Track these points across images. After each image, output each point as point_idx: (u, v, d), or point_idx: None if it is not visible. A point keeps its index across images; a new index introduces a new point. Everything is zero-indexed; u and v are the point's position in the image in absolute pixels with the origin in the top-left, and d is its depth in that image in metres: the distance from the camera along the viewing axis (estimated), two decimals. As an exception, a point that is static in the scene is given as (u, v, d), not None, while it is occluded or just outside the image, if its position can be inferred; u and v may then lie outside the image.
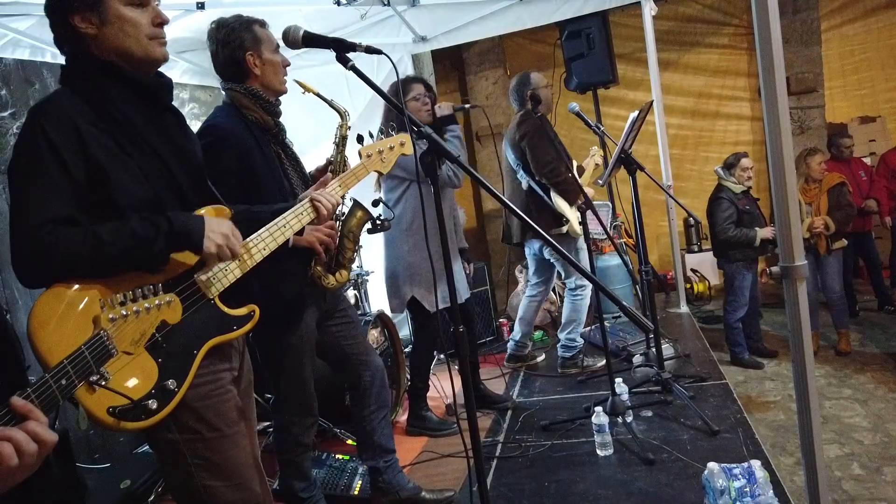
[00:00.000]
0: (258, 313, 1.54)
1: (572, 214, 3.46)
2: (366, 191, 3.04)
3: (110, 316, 1.22)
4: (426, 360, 3.29)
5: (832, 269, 4.61)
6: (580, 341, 3.81)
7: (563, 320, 3.77)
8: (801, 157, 4.58)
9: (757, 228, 4.37)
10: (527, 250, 3.81)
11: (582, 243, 3.59)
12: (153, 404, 1.27)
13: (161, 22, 1.45)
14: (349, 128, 2.16)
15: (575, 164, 3.71)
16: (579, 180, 3.29)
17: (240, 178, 1.96)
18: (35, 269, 1.26)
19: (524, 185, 3.55)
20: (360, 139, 2.06)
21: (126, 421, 1.24)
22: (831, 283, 4.61)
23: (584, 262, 3.43)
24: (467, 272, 3.40)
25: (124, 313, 1.24)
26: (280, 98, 2.14)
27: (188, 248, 1.37)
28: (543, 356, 4.17)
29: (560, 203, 3.45)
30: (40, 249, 1.24)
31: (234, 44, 2.03)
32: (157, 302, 1.30)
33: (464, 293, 3.23)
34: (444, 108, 3.03)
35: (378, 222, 2.34)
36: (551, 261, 3.68)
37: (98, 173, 1.31)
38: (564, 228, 3.47)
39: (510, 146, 3.58)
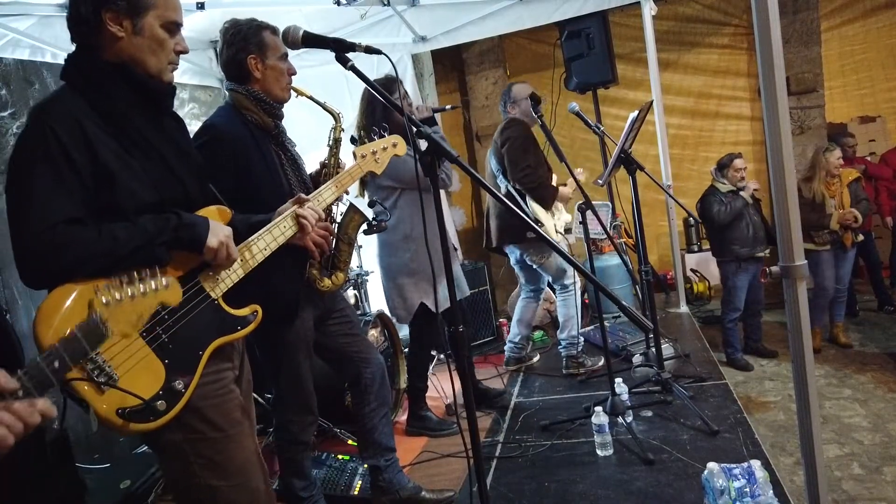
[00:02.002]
0: (261, 313, 1.55)
1: (548, 220, 3.49)
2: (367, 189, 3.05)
3: (104, 299, 1.20)
4: (425, 360, 3.29)
5: (849, 263, 4.71)
6: (581, 339, 3.82)
7: (560, 321, 3.78)
8: (818, 154, 4.65)
9: (741, 192, 4.44)
10: (511, 259, 3.83)
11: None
12: (162, 405, 1.28)
13: (182, 51, 1.49)
14: (343, 130, 2.18)
15: (556, 178, 3.73)
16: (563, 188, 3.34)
17: (236, 178, 1.96)
18: (46, 270, 1.25)
19: (503, 190, 3.57)
20: (353, 140, 2.06)
21: (135, 423, 1.24)
22: (844, 276, 4.70)
23: (561, 260, 3.45)
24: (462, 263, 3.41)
25: (118, 297, 1.22)
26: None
27: (192, 241, 1.38)
28: (538, 356, 4.17)
29: (535, 208, 3.47)
30: (54, 249, 1.23)
31: (238, 45, 2.03)
32: (153, 285, 1.28)
33: (465, 289, 3.25)
34: (422, 111, 3.02)
35: (374, 223, 2.35)
36: (530, 264, 3.68)
37: (104, 176, 1.31)
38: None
39: (493, 151, 3.63)
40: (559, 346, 3.84)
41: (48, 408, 1.01)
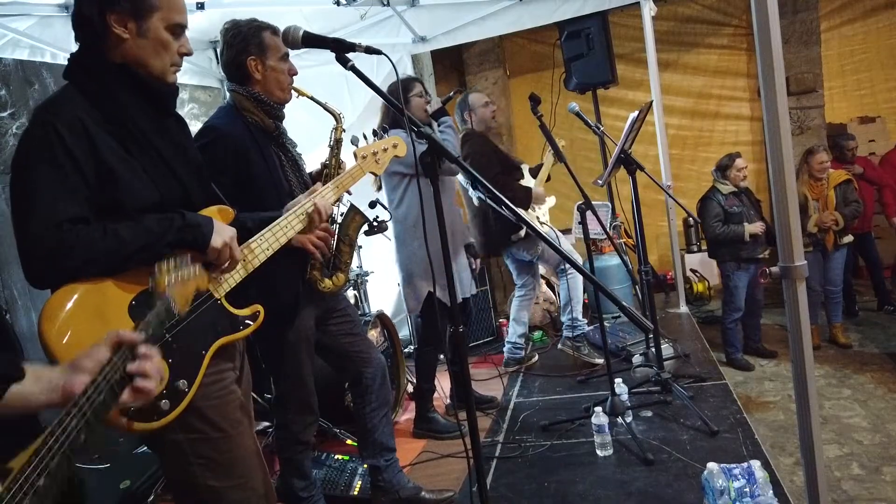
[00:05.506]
0: (263, 313, 1.55)
1: (529, 216, 3.57)
2: (367, 190, 3.05)
3: (167, 280, 1.16)
4: (433, 360, 3.27)
5: (837, 264, 4.69)
6: (583, 320, 3.87)
7: (561, 302, 3.86)
8: (804, 155, 4.65)
9: (745, 224, 4.41)
10: (506, 260, 3.95)
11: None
12: (165, 405, 1.27)
13: (186, 53, 1.48)
14: (344, 130, 2.18)
15: (526, 167, 3.88)
16: (534, 182, 3.42)
17: (236, 178, 1.96)
18: (52, 269, 1.25)
19: (475, 202, 3.68)
20: (354, 141, 2.07)
21: (139, 422, 1.24)
22: (834, 277, 4.70)
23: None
24: (473, 267, 3.39)
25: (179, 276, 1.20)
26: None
27: (196, 242, 1.38)
28: (537, 356, 4.17)
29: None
30: (60, 249, 1.23)
31: (239, 47, 2.03)
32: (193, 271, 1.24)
33: (468, 289, 3.24)
34: (433, 104, 3.06)
35: (375, 224, 2.35)
36: (527, 258, 3.78)
37: (107, 175, 1.32)
38: (522, 233, 3.60)
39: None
40: (562, 328, 3.93)
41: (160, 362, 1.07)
